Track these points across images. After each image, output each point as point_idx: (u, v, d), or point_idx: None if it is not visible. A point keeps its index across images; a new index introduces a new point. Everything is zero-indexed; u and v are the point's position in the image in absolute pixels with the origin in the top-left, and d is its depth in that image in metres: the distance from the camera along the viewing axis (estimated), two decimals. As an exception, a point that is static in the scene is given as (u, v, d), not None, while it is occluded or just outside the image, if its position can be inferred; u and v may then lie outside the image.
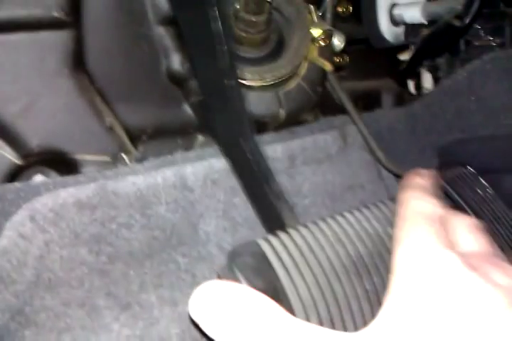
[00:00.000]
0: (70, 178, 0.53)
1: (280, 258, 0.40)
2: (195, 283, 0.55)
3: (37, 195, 0.51)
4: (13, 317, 0.48)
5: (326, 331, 0.33)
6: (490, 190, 0.70)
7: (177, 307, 0.54)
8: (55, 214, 0.51)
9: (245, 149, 0.51)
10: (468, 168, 0.72)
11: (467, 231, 0.41)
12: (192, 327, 0.53)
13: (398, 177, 0.75)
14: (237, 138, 0.51)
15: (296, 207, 0.65)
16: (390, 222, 0.45)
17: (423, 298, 0.33)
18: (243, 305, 0.34)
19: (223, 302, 0.35)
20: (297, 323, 0.33)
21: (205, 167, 0.59)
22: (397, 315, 0.33)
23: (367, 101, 0.85)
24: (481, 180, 0.71)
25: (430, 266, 0.35)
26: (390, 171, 0.74)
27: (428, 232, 0.37)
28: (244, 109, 0.52)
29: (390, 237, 0.43)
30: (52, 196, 0.51)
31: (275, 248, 0.41)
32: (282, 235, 0.42)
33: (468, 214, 0.67)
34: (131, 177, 0.55)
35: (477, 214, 0.67)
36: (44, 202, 0.50)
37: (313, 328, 0.33)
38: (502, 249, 0.43)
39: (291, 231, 0.43)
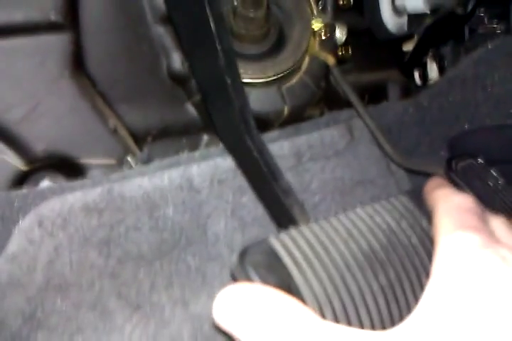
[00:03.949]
0: (76, 183, 0.54)
1: (292, 256, 0.40)
2: (205, 283, 0.57)
3: (44, 200, 0.52)
4: (25, 322, 0.50)
5: (354, 331, 0.33)
6: (501, 181, 0.71)
7: (188, 307, 0.56)
8: (63, 219, 0.52)
9: (251, 147, 0.52)
10: (479, 159, 0.73)
11: (506, 229, 0.41)
12: (204, 327, 0.55)
13: (408, 170, 0.76)
14: (241, 136, 0.52)
15: (306, 204, 0.66)
16: (403, 216, 0.45)
17: (464, 300, 0.32)
18: (269, 308, 0.35)
19: (249, 306, 0.35)
20: (324, 324, 0.34)
21: (211, 167, 0.60)
22: (433, 314, 0.33)
23: (373, 94, 0.86)
24: (492, 171, 0.71)
25: (473, 262, 0.34)
26: (399, 165, 0.74)
27: (474, 227, 0.37)
28: (247, 106, 0.53)
29: (404, 232, 0.43)
30: (59, 201, 0.52)
31: (286, 245, 0.41)
32: (293, 232, 0.43)
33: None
34: (137, 179, 0.56)
35: (488, 206, 0.68)
36: (51, 208, 0.52)
37: (340, 329, 0.34)
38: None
39: (302, 228, 0.43)
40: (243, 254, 0.42)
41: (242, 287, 0.37)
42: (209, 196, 0.59)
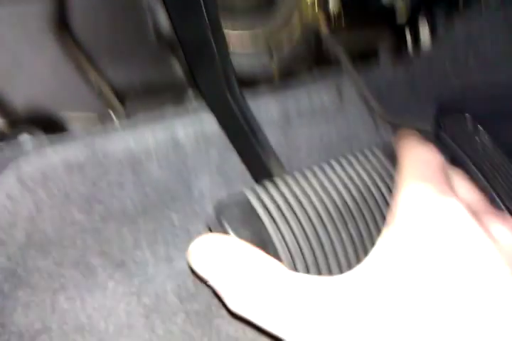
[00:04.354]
0: (57, 138, 0.53)
1: (265, 207, 0.41)
2: (190, 239, 0.55)
3: (24, 156, 0.51)
4: (7, 279, 0.50)
5: (313, 278, 0.35)
6: (489, 138, 0.71)
7: (172, 263, 0.55)
8: (43, 174, 0.51)
9: (231, 102, 0.52)
10: (467, 115, 0.73)
11: (465, 185, 0.42)
12: (187, 283, 0.55)
13: (395, 127, 0.76)
14: (223, 91, 0.52)
15: (292, 160, 0.66)
16: (374, 167, 0.46)
17: (418, 242, 0.33)
18: (241, 259, 0.37)
19: (222, 256, 0.37)
20: (293, 275, 0.35)
21: (196, 122, 0.60)
22: (387, 256, 0.34)
23: (364, 57, 0.84)
24: (480, 127, 0.71)
25: (432, 209, 0.35)
26: (386, 121, 0.74)
27: (434, 177, 0.38)
28: (230, 61, 0.52)
29: (375, 183, 0.45)
30: (39, 156, 0.52)
31: (261, 196, 0.42)
32: (268, 184, 0.44)
33: (467, 163, 0.67)
34: (120, 134, 0.55)
35: (475, 163, 0.68)
36: (31, 162, 0.51)
37: (300, 276, 0.35)
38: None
39: (277, 179, 0.44)
40: (219, 207, 0.43)
41: (216, 237, 0.39)
42: (194, 151, 0.59)
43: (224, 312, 0.54)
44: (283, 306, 0.34)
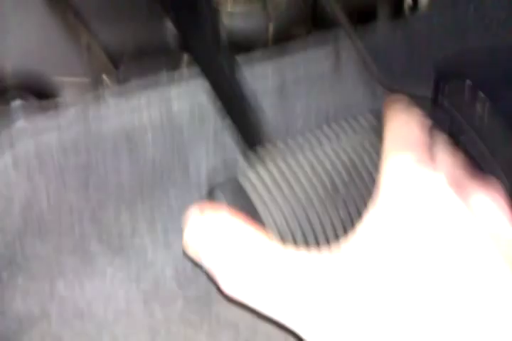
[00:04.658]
0: (51, 121, 0.52)
1: (257, 191, 0.43)
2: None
3: (19, 142, 0.50)
4: (5, 266, 0.50)
5: (303, 254, 0.36)
6: (488, 103, 0.70)
7: (171, 248, 0.55)
8: (40, 160, 0.50)
9: (223, 64, 0.52)
10: (467, 81, 0.72)
11: (450, 150, 0.43)
12: (187, 268, 0.55)
13: (394, 92, 0.75)
14: (214, 53, 0.52)
15: (290, 129, 0.65)
16: (366, 133, 0.48)
17: (400, 217, 0.35)
18: (234, 237, 0.38)
19: (216, 235, 0.39)
20: (276, 248, 0.37)
21: (190, 90, 0.58)
22: (372, 232, 0.35)
23: (362, 14, 0.82)
24: (480, 92, 0.71)
25: (413, 183, 0.36)
26: (385, 87, 0.73)
27: (415, 147, 0.39)
28: (219, 23, 0.53)
29: (366, 150, 0.46)
30: (34, 141, 0.50)
31: (252, 181, 0.44)
32: (259, 169, 0.45)
33: (465, 127, 0.68)
34: (116, 117, 0.54)
35: (475, 129, 0.68)
36: (27, 149, 0.50)
37: (291, 253, 0.37)
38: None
39: (268, 164, 0.45)
40: (212, 191, 0.45)
41: (207, 216, 0.40)
42: (190, 135, 0.57)
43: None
44: (276, 286, 0.35)
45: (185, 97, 0.58)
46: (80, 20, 0.61)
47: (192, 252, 0.39)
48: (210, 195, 0.45)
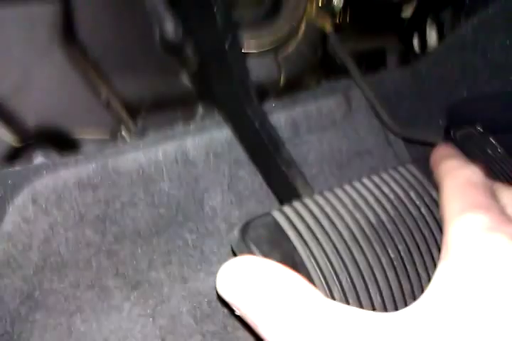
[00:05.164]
0: (70, 158, 0.54)
1: (296, 229, 0.40)
2: (203, 259, 0.57)
3: (38, 177, 0.52)
4: (23, 301, 0.50)
5: (361, 313, 0.32)
6: (500, 150, 0.71)
7: (187, 283, 0.56)
8: (57, 195, 0.52)
9: (251, 116, 0.52)
10: (477, 127, 0.73)
11: None
12: (203, 304, 0.55)
13: (406, 140, 0.76)
14: (242, 105, 0.52)
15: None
16: (411, 185, 0.44)
17: (478, 281, 0.32)
18: (272, 282, 0.34)
19: (252, 280, 0.34)
20: (329, 304, 0.32)
21: (206, 140, 0.60)
22: (442, 302, 0.32)
23: (371, 61, 0.85)
24: (491, 139, 0.71)
25: (487, 244, 0.33)
26: (397, 135, 0.74)
27: (483, 207, 0.36)
28: (248, 73, 0.52)
29: (413, 202, 0.43)
30: (53, 177, 0.52)
31: (290, 218, 0.40)
32: (297, 204, 0.42)
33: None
34: (132, 154, 0.56)
35: (488, 176, 0.68)
36: (45, 184, 0.52)
37: (347, 310, 0.32)
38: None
39: (306, 200, 0.42)
40: (244, 229, 0.41)
41: (245, 259, 0.35)
42: (205, 169, 0.59)
43: (240, 333, 0.55)
44: None
45: (201, 144, 0.60)
46: (100, 75, 0.65)
47: (224, 296, 0.35)
48: (242, 235, 0.41)
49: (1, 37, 0.58)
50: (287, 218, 0.40)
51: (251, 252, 0.39)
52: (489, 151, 0.70)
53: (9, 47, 0.58)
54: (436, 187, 0.44)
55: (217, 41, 0.48)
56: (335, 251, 0.39)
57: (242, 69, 0.51)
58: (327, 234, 0.40)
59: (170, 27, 0.68)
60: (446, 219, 0.36)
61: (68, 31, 0.61)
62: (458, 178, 0.40)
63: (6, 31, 0.57)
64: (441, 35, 0.88)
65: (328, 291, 0.38)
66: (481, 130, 0.72)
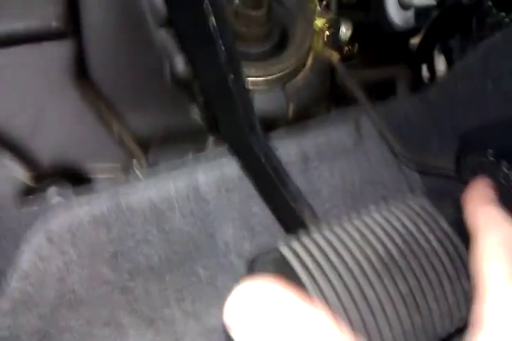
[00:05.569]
0: (83, 197, 0.55)
1: (303, 264, 0.39)
2: (217, 295, 0.57)
3: (53, 216, 0.53)
4: (40, 339, 0.51)
5: None
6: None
7: (201, 320, 0.57)
8: (72, 234, 0.53)
9: (256, 151, 0.53)
10: (489, 155, 0.73)
11: None
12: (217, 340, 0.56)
13: (418, 168, 0.76)
14: (246, 139, 0.52)
15: (316, 210, 0.65)
16: (422, 218, 0.44)
17: None
18: (284, 311, 0.30)
19: (262, 311, 0.31)
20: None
21: (217, 175, 0.61)
22: None
23: (380, 90, 0.86)
24: (503, 168, 0.72)
25: None
26: (409, 166, 0.74)
27: None
28: (252, 107, 0.53)
29: (424, 236, 0.43)
30: (67, 216, 0.53)
31: (297, 252, 0.40)
32: (304, 239, 0.41)
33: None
34: (144, 191, 0.57)
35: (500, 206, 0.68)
36: (60, 223, 0.53)
37: None
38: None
39: (314, 233, 0.42)
40: (252, 264, 0.41)
41: (253, 286, 0.32)
42: (217, 205, 0.60)
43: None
44: None
45: (211, 176, 0.61)
46: (112, 110, 0.66)
47: (234, 330, 0.31)
48: (250, 268, 0.41)
49: (16, 75, 0.59)
50: (295, 253, 0.40)
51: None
52: (502, 180, 0.70)
53: (23, 84, 0.60)
54: (448, 219, 0.44)
55: (219, 76, 0.49)
56: (343, 285, 0.39)
57: (246, 104, 0.51)
58: (336, 270, 0.39)
59: (179, 62, 0.69)
60: (483, 282, 0.35)
61: (80, 68, 0.63)
62: (499, 237, 0.37)
63: (20, 69, 0.59)
64: (449, 62, 0.89)
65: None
66: (493, 158, 0.72)
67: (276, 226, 0.60)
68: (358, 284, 0.39)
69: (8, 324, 0.51)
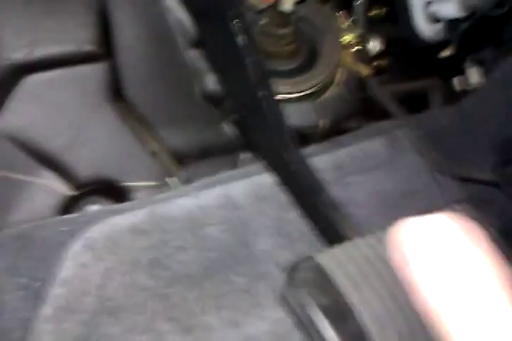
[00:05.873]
0: (122, 205, 0.57)
1: (341, 272, 0.39)
2: (256, 303, 0.58)
3: (92, 224, 0.55)
4: None
5: None
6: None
7: (239, 328, 0.57)
8: (112, 241, 0.55)
9: (289, 162, 0.54)
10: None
11: None
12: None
13: (455, 178, 0.76)
14: (279, 151, 0.54)
15: (352, 219, 0.66)
16: None
17: None
18: None
19: None
20: None
21: (252, 184, 0.62)
22: None
23: (413, 103, 0.86)
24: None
25: None
26: (445, 173, 0.75)
27: None
28: (283, 120, 0.54)
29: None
30: (107, 224, 0.55)
31: (337, 261, 0.40)
32: (341, 248, 0.42)
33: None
34: (180, 200, 0.59)
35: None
36: (100, 231, 0.55)
37: None
38: None
39: (348, 244, 0.43)
40: (292, 272, 0.41)
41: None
42: (252, 213, 0.61)
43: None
44: None
45: (247, 189, 0.62)
46: (147, 128, 0.69)
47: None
48: (290, 276, 0.41)
49: (55, 97, 0.63)
50: (332, 261, 0.40)
51: (299, 296, 0.40)
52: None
53: (62, 105, 0.63)
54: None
55: (250, 94, 0.51)
56: (387, 291, 0.38)
57: (277, 117, 0.53)
58: (374, 275, 0.39)
59: (210, 81, 0.72)
60: None
61: (115, 89, 0.66)
62: None
63: (58, 91, 0.63)
64: (482, 73, 0.90)
65: (383, 334, 0.37)
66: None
67: (313, 234, 0.61)
68: (398, 290, 0.38)
69: (51, 329, 0.52)
